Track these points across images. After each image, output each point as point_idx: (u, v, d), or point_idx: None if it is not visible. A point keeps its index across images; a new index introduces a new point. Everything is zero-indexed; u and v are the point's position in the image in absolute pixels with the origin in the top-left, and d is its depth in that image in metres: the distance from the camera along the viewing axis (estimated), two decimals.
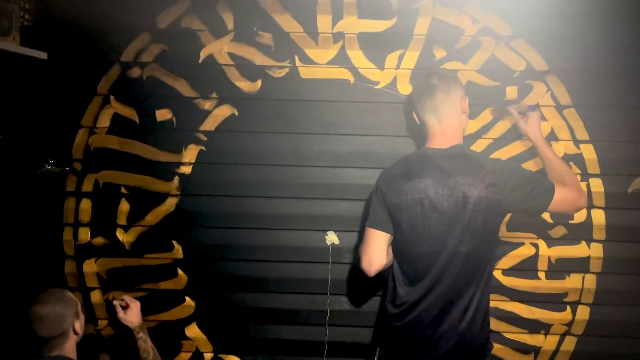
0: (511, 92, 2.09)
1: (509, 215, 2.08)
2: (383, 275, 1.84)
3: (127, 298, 2.10)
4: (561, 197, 1.70)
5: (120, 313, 2.06)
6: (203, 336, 2.22)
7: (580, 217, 2.11)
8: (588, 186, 2.10)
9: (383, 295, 1.91)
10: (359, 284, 2.18)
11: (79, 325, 1.79)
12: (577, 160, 2.10)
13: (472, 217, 1.67)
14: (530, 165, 2.08)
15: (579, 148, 2.10)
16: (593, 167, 2.10)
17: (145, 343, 2.03)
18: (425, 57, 2.10)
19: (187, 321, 2.22)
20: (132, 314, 2.05)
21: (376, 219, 1.80)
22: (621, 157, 2.09)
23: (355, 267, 2.16)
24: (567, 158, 2.09)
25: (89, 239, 2.19)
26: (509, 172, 1.70)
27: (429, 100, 1.77)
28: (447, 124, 1.77)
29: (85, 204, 2.18)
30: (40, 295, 1.78)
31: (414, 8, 2.08)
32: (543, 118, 2.07)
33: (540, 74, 2.09)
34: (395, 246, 1.81)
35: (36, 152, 2.14)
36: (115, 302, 2.08)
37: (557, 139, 2.10)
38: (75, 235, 2.19)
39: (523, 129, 1.94)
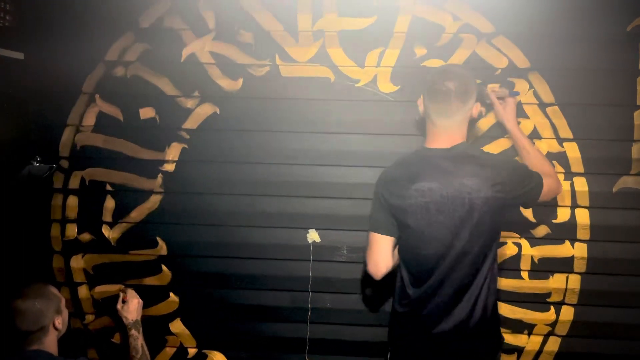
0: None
1: None
2: (367, 274, 1.83)
3: (130, 292, 2.06)
4: (548, 188, 1.73)
5: (119, 305, 2.04)
6: (187, 332, 2.25)
7: (564, 216, 2.08)
8: (572, 185, 2.07)
9: (393, 295, 1.86)
10: (340, 281, 2.18)
11: (59, 321, 1.80)
12: (561, 158, 2.06)
13: (480, 218, 1.64)
14: None
15: (563, 146, 2.06)
16: (577, 165, 2.06)
17: (136, 341, 2.02)
18: (406, 54, 2.08)
19: (171, 317, 2.25)
20: (127, 309, 2.03)
21: (378, 223, 1.78)
22: (606, 155, 2.05)
23: (336, 265, 2.17)
24: (550, 157, 2.05)
25: (75, 235, 2.23)
26: (510, 170, 1.70)
27: (444, 104, 1.68)
28: (454, 128, 1.72)
29: (72, 201, 2.22)
30: (23, 289, 1.81)
31: (394, 6, 2.06)
32: (525, 115, 2.06)
33: (522, 71, 2.05)
34: (401, 247, 1.79)
35: (24, 150, 2.18)
36: (120, 293, 2.07)
37: (540, 137, 2.06)
38: (63, 231, 2.23)
39: (501, 114, 1.93)
